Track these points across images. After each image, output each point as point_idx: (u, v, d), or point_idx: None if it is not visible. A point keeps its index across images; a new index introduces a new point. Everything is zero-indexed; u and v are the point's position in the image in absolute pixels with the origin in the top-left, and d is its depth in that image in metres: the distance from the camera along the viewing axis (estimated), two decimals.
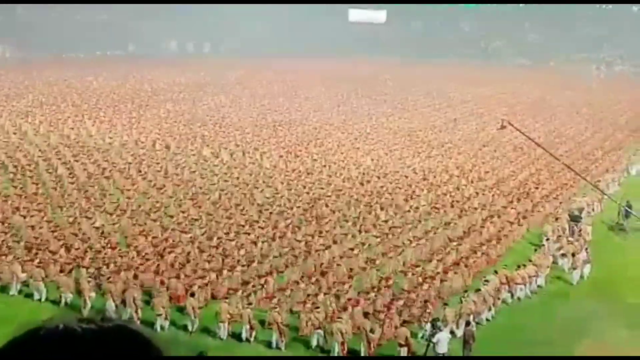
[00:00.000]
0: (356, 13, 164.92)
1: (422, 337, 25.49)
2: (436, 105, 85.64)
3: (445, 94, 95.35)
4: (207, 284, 28.36)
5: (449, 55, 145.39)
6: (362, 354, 24.69)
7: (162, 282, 28.12)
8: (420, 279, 29.44)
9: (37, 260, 29.40)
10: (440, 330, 24.66)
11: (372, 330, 24.76)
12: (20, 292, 28.85)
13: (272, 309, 25.86)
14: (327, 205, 40.21)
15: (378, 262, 31.62)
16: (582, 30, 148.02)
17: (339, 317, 25.39)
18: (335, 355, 24.70)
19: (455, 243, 34.59)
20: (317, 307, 26.03)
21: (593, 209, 43.76)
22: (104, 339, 1.59)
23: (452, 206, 41.23)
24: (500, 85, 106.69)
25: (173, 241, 33.09)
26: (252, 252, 32.05)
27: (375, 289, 28.14)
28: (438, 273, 30.30)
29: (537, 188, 46.45)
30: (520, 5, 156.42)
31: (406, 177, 48.14)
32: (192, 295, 26.78)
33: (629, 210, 40.96)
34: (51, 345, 1.56)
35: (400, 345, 24.38)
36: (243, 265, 30.15)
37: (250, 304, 26.40)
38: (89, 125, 63.44)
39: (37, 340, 1.58)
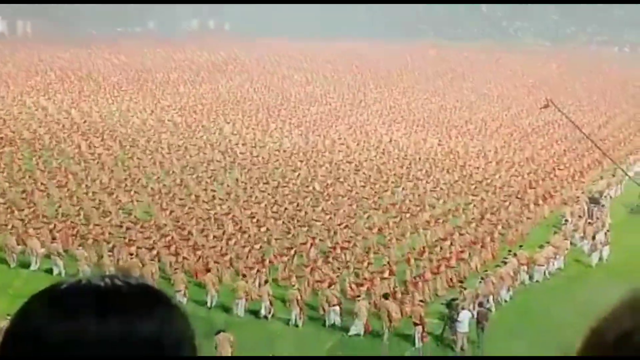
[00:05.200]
0: None
1: (445, 318, 25.31)
2: (456, 87, 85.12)
3: (466, 75, 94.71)
4: (229, 261, 28.53)
5: (470, 36, 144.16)
6: (384, 332, 24.70)
7: (177, 254, 28.42)
8: (438, 259, 29.44)
9: (57, 235, 29.63)
10: (463, 309, 24.63)
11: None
12: (39, 268, 29.07)
13: (292, 287, 25.98)
14: (345, 184, 40.24)
15: (396, 241, 31.61)
16: (604, 11, 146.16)
17: (358, 296, 25.46)
18: (357, 332, 24.82)
19: (473, 224, 34.51)
20: (332, 284, 26.10)
21: (613, 192, 43.47)
22: (128, 294, 1.53)
23: (472, 187, 41.11)
24: (520, 67, 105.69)
25: (195, 217, 33.28)
26: (270, 229, 32.14)
27: (394, 268, 28.17)
28: (455, 253, 30.27)
29: (558, 170, 46.19)
30: None
31: (426, 158, 48.03)
32: (209, 270, 26.97)
33: None
34: (73, 298, 1.51)
35: (415, 324, 24.41)
36: (262, 244, 30.28)
37: (267, 281, 26.50)
38: (110, 102, 63.63)
39: (58, 293, 1.53)
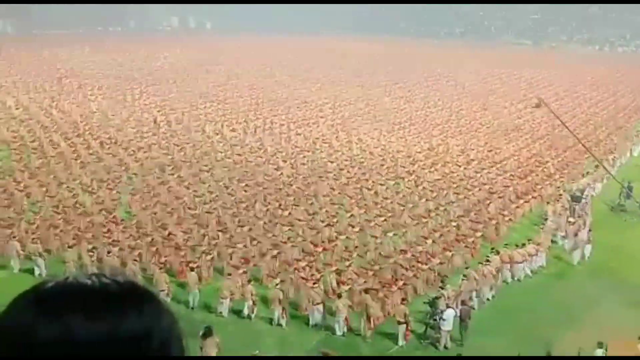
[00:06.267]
0: None
1: (429, 317, 25.30)
2: (437, 85, 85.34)
3: (446, 73, 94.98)
4: (211, 260, 28.46)
5: (451, 35, 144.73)
6: (362, 331, 24.77)
7: (160, 255, 28.18)
8: (421, 258, 29.46)
9: (37, 235, 29.41)
10: (448, 308, 24.68)
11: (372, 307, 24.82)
12: (20, 270, 28.77)
13: (274, 286, 25.93)
14: (327, 183, 40.19)
15: (378, 240, 31.62)
16: (585, 10, 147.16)
17: (340, 295, 25.44)
18: (340, 332, 24.81)
19: (455, 222, 34.56)
20: (315, 283, 26.07)
21: (594, 190, 43.69)
22: (116, 292, 1.51)
23: (454, 185, 41.19)
24: (501, 65, 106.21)
25: (178, 217, 33.14)
26: (253, 229, 32.03)
27: (376, 267, 28.17)
28: (438, 252, 30.30)
29: (540, 168, 46.37)
30: None
31: (408, 156, 48.09)
32: (192, 270, 26.88)
33: (630, 192, 41.07)
34: (60, 297, 1.49)
35: (399, 323, 24.47)
36: (245, 244, 30.15)
37: (250, 280, 26.40)
38: (92, 101, 63.31)
39: (45, 292, 1.51)
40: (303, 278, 26.82)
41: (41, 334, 1.45)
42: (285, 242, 30.45)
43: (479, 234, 33.26)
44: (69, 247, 28.49)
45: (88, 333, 1.44)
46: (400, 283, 26.91)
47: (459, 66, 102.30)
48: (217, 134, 52.48)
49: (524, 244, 31.59)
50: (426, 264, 28.86)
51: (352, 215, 34.93)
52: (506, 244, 31.98)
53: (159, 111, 59.75)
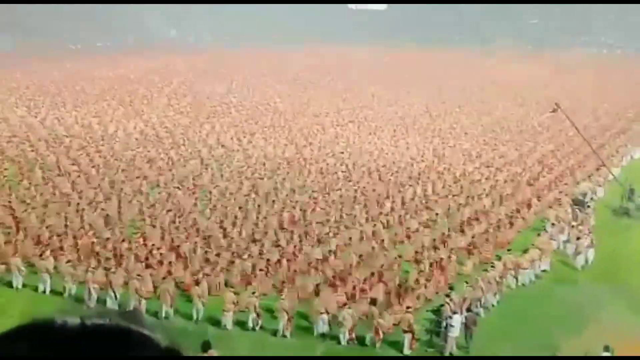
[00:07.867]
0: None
1: (435, 324, 25.25)
2: (440, 91, 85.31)
3: (446, 79, 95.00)
4: (218, 273, 28.41)
5: (449, 41, 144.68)
6: (368, 340, 24.72)
7: (169, 272, 28.08)
8: (428, 265, 29.44)
9: (43, 252, 29.39)
10: (455, 314, 24.63)
11: (380, 317, 24.77)
12: (24, 285, 28.79)
13: (280, 297, 25.88)
14: (329, 194, 40.17)
15: (385, 249, 31.53)
16: (582, 14, 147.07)
17: (345, 304, 25.40)
18: (345, 341, 24.76)
19: (463, 229, 34.46)
20: (318, 294, 26.07)
21: (597, 194, 43.62)
22: (101, 334, 1.52)
23: (459, 192, 41.15)
24: (500, 71, 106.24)
25: (184, 229, 33.09)
26: (260, 240, 31.99)
27: (383, 276, 28.13)
28: (442, 259, 30.27)
29: (544, 172, 46.32)
30: None
31: (411, 164, 48.05)
32: (197, 283, 26.82)
33: (632, 195, 41.06)
34: (24, 339, 1.50)
35: (405, 332, 24.42)
36: (251, 255, 30.14)
37: (254, 292, 26.32)
38: (93, 116, 63.32)
39: (13, 335, 1.52)
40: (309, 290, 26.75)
41: None
42: (295, 255, 30.39)
43: (488, 241, 33.11)
44: (72, 264, 28.46)
45: None
46: (409, 291, 26.86)
47: (461, 72, 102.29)
48: (221, 146, 52.48)
49: (527, 250, 31.56)
50: (435, 271, 28.82)
51: (360, 224, 34.86)
52: (509, 249, 31.92)
53: (160, 125, 59.79)
